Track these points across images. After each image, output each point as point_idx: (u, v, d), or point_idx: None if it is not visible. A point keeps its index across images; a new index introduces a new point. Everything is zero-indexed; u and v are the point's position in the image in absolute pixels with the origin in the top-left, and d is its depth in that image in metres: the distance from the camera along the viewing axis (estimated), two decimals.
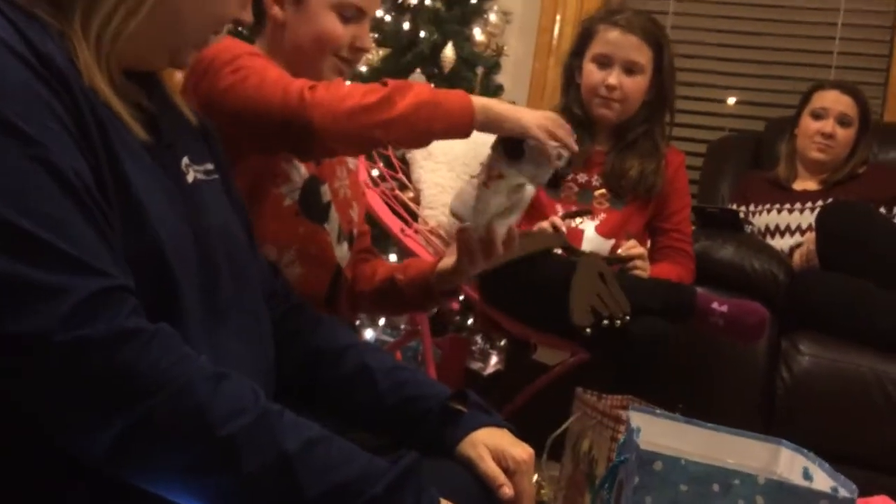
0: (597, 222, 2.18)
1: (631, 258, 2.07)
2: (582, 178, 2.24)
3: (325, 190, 1.59)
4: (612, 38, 2.18)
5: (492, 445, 1.04)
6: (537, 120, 1.37)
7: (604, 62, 2.18)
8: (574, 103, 2.25)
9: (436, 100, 1.32)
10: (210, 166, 1.04)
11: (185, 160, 0.98)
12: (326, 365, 1.14)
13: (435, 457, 0.99)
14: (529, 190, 1.42)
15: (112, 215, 0.80)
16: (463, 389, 1.12)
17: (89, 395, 0.73)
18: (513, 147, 1.40)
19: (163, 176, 0.91)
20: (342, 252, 1.64)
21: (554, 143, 1.38)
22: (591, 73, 2.20)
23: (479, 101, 1.35)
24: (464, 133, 1.35)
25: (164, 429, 0.75)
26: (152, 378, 0.75)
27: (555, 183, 2.20)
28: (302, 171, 1.55)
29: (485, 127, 1.37)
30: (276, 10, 1.56)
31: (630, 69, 2.17)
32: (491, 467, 1.02)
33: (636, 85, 2.18)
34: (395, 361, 1.20)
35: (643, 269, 2.07)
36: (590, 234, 2.17)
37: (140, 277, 0.81)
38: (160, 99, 0.99)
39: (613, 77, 2.16)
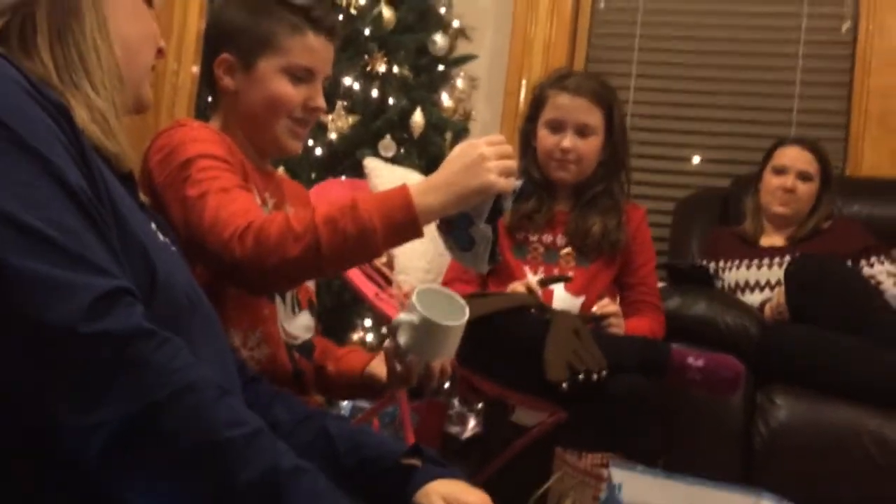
0: (562, 284, 2.20)
1: (605, 316, 2.09)
2: (547, 238, 2.27)
3: None
4: (562, 103, 2.23)
5: (445, 493, 1.06)
6: (487, 175, 1.31)
7: (556, 126, 2.24)
8: (532, 167, 2.30)
9: (369, 226, 1.27)
10: (170, 240, 1.11)
11: (153, 225, 1.06)
12: (284, 436, 1.15)
13: None
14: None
15: (110, 233, 0.87)
16: (417, 445, 1.14)
17: (101, 383, 0.77)
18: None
19: (142, 216, 0.99)
20: (303, 321, 1.62)
21: (511, 182, 1.34)
22: (545, 137, 2.25)
23: (420, 203, 1.29)
24: (419, 235, 1.32)
25: (166, 423, 0.78)
26: (162, 375, 0.79)
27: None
28: None
29: (444, 212, 1.33)
30: (227, 81, 1.58)
31: (582, 131, 2.22)
32: None
33: (589, 146, 2.23)
34: (357, 427, 1.22)
35: (618, 326, 2.09)
36: (559, 294, 2.19)
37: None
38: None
39: (567, 140, 2.21)
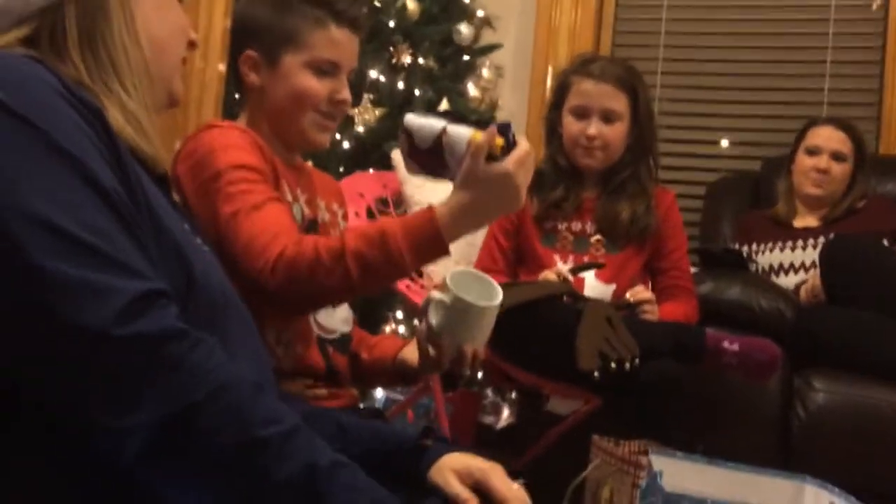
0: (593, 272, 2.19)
1: (639, 303, 2.07)
2: (576, 226, 2.26)
3: None
4: (586, 89, 2.21)
5: (457, 467, 1.06)
6: (520, 199, 1.31)
7: (581, 113, 2.22)
8: (558, 154, 2.29)
9: (398, 257, 1.29)
10: (200, 240, 1.10)
11: (186, 226, 1.05)
12: None
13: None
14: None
15: (145, 234, 0.87)
16: (428, 427, 1.15)
17: (136, 385, 0.77)
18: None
19: (177, 216, 0.99)
20: (342, 314, 1.61)
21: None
22: (571, 124, 2.23)
23: (449, 231, 1.29)
24: (447, 255, 1.33)
25: (204, 423, 0.78)
26: (197, 375, 0.79)
27: None
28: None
29: (473, 232, 1.37)
30: (252, 78, 1.58)
31: (608, 117, 2.21)
32: (456, 487, 1.03)
33: (616, 132, 2.21)
34: (366, 420, 1.25)
35: (652, 313, 2.08)
36: (591, 282, 2.18)
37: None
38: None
39: (592, 127, 2.19)
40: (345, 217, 1.76)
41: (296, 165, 1.64)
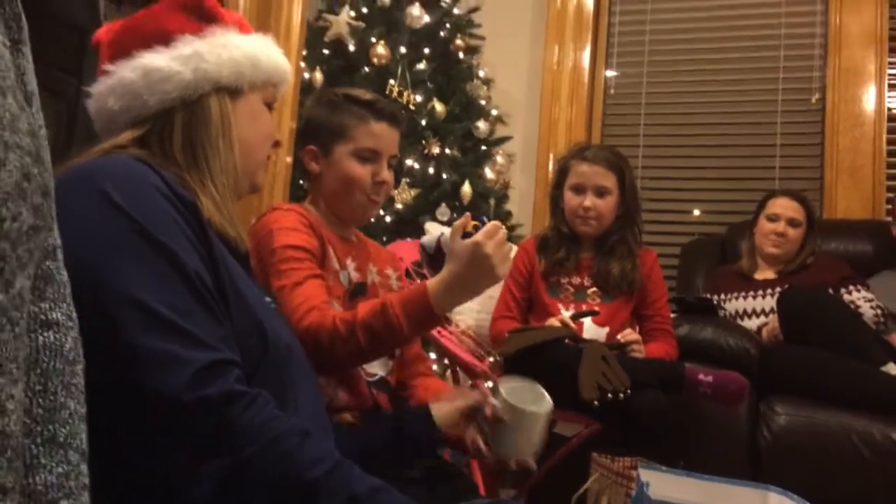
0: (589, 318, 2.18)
1: (629, 343, 2.05)
2: (575, 280, 2.25)
3: None
4: (583, 170, 2.22)
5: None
6: (495, 270, 1.27)
7: (579, 189, 2.22)
8: (561, 223, 2.29)
9: (397, 326, 1.29)
10: (270, 299, 1.11)
11: (257, 290, 1.04)
12: None
13: None
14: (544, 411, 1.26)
15: (225, 309, 0.86)
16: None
17: (201, 444, 0.76)
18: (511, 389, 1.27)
19: (255, 287, 0.99)
20: (380, 359, 1.56)
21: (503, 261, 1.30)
22: (571, 199, 2.24)
23: (438, 303, 1.28)
24: (440, 325, 1.37)
25: (260, 472, 0.76)
26: (251, 431, 0.78)
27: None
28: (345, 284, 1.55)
29: (459, 304, 1.33)
30: (312, 167, 1.60)
31: (600, 192, 2.21)
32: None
33: (607, 204, 2.21)
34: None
35: (639, 351, 2.05)
36: (588, 325, 2.16)
37: (247, 353, 0.86)
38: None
39: (588, 201, 2.20)
40: (399, 278, 1.75)
41: (348, 238, 1.63)
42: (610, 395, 1.78)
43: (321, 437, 0.87)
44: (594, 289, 2.22)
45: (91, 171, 0.88)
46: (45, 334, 0.58)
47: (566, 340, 2.01)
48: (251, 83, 1.07)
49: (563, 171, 2.28)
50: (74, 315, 0.62)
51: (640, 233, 2.30)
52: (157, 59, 1.00)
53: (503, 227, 1.32)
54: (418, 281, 2.42)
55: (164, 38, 1.02)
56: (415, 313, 1.29)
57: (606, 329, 2.16)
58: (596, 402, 1.78)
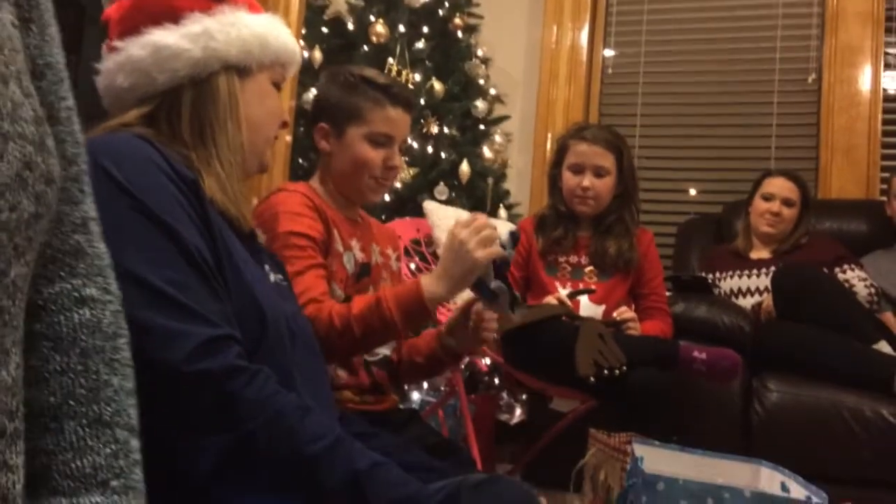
0: (586, 296, 2.19)
1: (625, 321, 2.06)
2: (573, 259, 2.26)
3: None
4: (581, 150, 2.21)
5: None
6: (471, 255, 1.31)
7: (577, 169, 2.22)
8: (559, 203, 2.29)
9: (390, 319, 1.32)
10: (281, 277, 1.11)
11: (266, 267, 1.06)
12: None
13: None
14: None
15: (224, 286, 0.87)
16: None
17: (203, 416, 0.77)
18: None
19: (257, 267, 0.99)
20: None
21: (494, 249, 1.33)
22: (569, 179, 2.23)
23: (429, 294, 1.32)
24: (432, 318, 1.41)
25: (262, 446, 0.77)
26: (253, 406, 0.78)
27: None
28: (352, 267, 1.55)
29: (450, 296, 1.36)
30: (323, 145, 1.60)
31: (598, 173, 2.20)
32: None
33: (605, 184, 2.21)
34: None
35: (635, 329, 2.07)
36: (585, 303, 2.18)
37: (245, 333, 0.86)
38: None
39: (586, 181, 2.19)
40: (399, 258, 1.76)
41: (353, 218, 1.64)
42: (606, 372, 1.80)
43: (323, 413, 0.89)
44: (591, 267, 2.23)
45: (93, 149, 0.87)
46: (81, 311, 0.58)
47: (563, 318, 2.02)
48: (259, 63, 1.06)
49: (561, 151, 2.28)
50: (113, 287, 0.61)
51: (637, 212, 2.31)
52: (166, 37, 0.99)
53: (482, 215, 1.35)
54: (416, 259, 2.43)
55: (173, 16, 1.01)
56: (407, 307, 1.32)
57: (603, 307, 2.17)
58: (592, 379, 1.80)
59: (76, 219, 0.59)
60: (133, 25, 1.01)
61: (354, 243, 1.58)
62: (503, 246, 1.33)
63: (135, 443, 0.59)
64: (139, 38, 1.00)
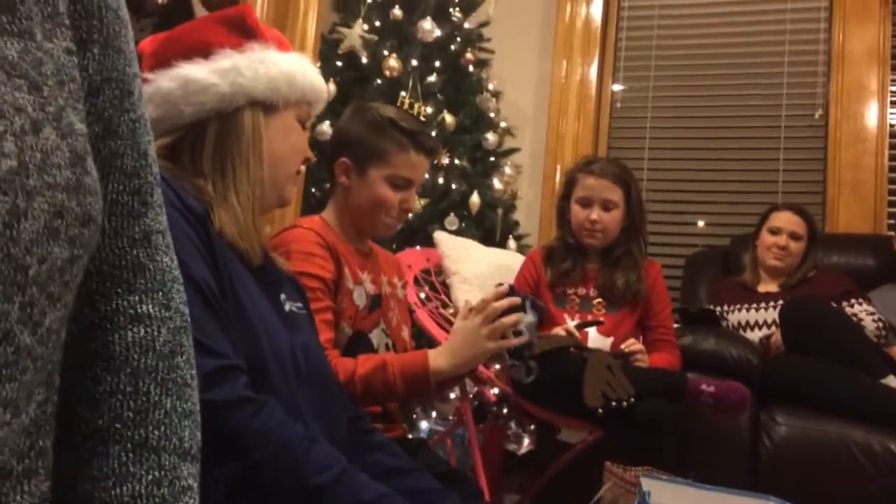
0: (594, 328, 2.18)
1: (633, 353, 2.06)
2: (581, 291, 2.26)
3: (372, 337, 1.57)
4: (589, 184, 2.22)
5: None
6: (483, 344, 1.40)
7: (585, 203, 2.23)
8: (567, 235, 2.29)
9: (393, 384, 1.38)
10: (300, 304, 1.11)
11: (283, 296, 1.06)
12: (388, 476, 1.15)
13: None
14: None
15: (228, 317, 0.87)
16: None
17: (211, 447, 0.75)
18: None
19: (265, 299, 1.00)
20: None
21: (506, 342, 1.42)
22: (577, 212, 2.24)
23: (434, 366, 1.39)
24: (430, 391, 1.45)
25: (268, 477, 0.77)
26: (259, 436, 0.78)
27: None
28: (363, 299, 1.56)
29: (454, 373, 1.43)
30: (343, 179, 1.61)
31: (606, 206, 2.21)
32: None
33: (613, 218, 2.22)
34: None
35: (643, 361, 2.06)
36: (593, 335, 2.17)
37: (247, 363, 0.86)
38: (266, 254, 1.08)
39: (594, 214, 2.20)
40: (404, 286, 1.78)
41: (364, 251, 1.65)
42: (614, 403, 1.79)
43: (329, 443, 0.89)
44: (599, 300, 2.23)
45: None
46: (135, 329, 0.55)
47: (571, 349, 2.02)
48: (286, 100, 1.08)
49: (570, 184, 2.29)
50: (175, 302, 0.59)
51: (645, 245, 2.31)
52: (196, 71, 1.01)
53: (500, 302, 1.39)
54: (426, 288, 2.44)
55: (204, 51, 1.03)
56: (412, 377, 1.38)
57: (611, 339, 2.17)
58: (600, 410, 1.79)
59: (136, 233, 0.56)
60: (164, 58, 1.03)
61: (365, 276, 1.59)
62: (523, 332, 1.39)
63: (186, 469, 0.56)
64: (170, 71, 1.02)
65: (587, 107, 3.54)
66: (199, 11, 2.10)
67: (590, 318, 2.21)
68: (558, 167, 3.49)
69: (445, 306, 2.41)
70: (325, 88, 1.18)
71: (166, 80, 1.01)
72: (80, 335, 0.53)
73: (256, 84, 1.04)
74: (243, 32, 1.07)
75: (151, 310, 0.56)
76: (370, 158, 1.57)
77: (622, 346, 2.09)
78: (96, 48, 0.54)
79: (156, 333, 0.56)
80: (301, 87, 1.10)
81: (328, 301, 1.47)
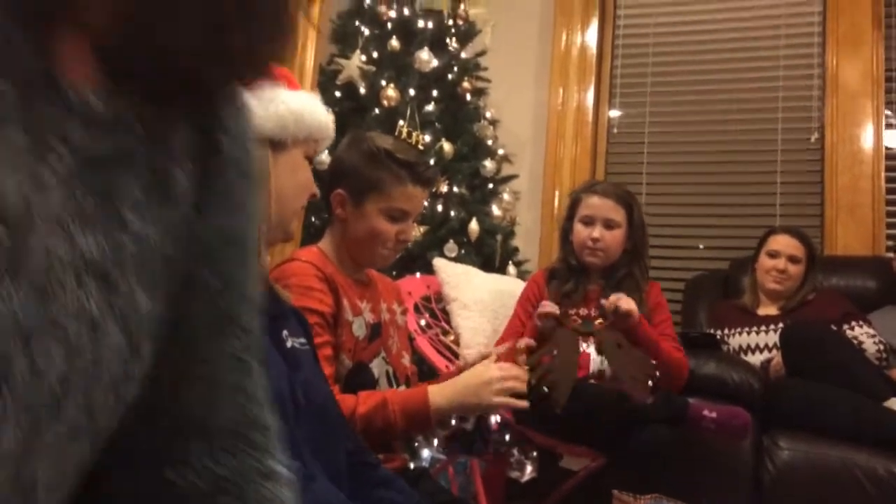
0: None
1: (618, 308, 2.04)
2: (583, 311, 2.26)
3: (373, 366, 1.57)
4: (593, 203, 2.25)
5: None
6: (489, 397, 1.41)
7: (588, 221, 2.25)
8: (570, 256, 2.31)
9: (393, 422, 1.38)
10: (303, 340, 1.11)
11: (285, 332, 1.06)
12: None
13: None
14: None
15: None
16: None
17: None
18: None
19: (265, 337, 0.97)
20: None
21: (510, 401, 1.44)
22: (580, 231, 2.26)
23: (434, 403, 1.39)
24: (430, 429, 1.47)
25: None
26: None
27: None
28: (361, 329, 1.56)
29: (452, 413, 1.44)
30: (339, 211, 1.60)
31: (609, 225, 2.23)
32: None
33: (615, 237, 2.23)
34: None
35: (632, 311, 2.05)
36: (594, 356, 2.16)
37: None
38: (269, 290, 1.08)
39: (596, 232, 2.22)
40: (404, 312, 1.78)
41: (362, 280, 1.65)
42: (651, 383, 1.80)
43: (328, 480, 0.89)
44: (601, 320, 2.23)
45: None
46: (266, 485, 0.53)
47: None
48: (294, 137, 1.09)
49: (573, 205, 2.31)
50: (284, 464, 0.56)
51: (647, 268, 2.32)
52: None
53: (519, 371, 1.46)
54: (426, 315, 2.44)
55: None
56: (413, 415, 1.38)
57: None
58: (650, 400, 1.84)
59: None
60: None
61: (364, 305, 1.59)
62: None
63: None
64: None
65: (584, 133, 3.57)
66: None
67: (591, 338, 2.19)
68: (556, 192, 3.51)
69: (446, 333, 2.41)
70: (332, 125, 1.18)
71: None
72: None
73: (266, 122, 1.05)
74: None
75: (282, 469, 0.55)
76: (367, 190, 1.57)
77: (602, 302, 2.09)
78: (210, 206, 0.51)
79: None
80: (308, 125, 1.10)
81: (328, 336, 1.46)
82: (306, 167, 1.14)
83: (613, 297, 2.08)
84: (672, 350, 2.14)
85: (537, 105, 3.65)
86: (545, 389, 1.89)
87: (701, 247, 3.46)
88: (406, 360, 1.71)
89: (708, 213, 3.46)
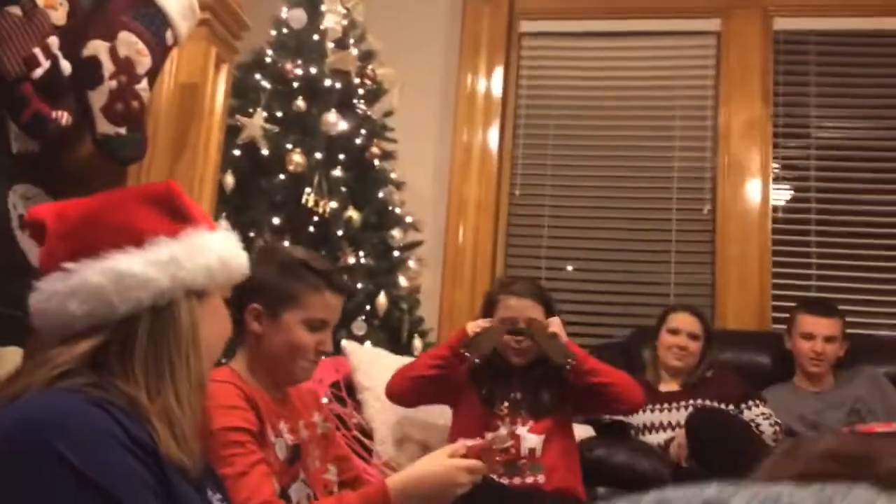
0: (527, 428, 2.17)
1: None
2: (511, 396, 2.22)
3: (292, 492, 1.51)
4: (512, 304, 2.23)
5: None
6: (457, 483, 1.39)
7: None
8: (496, 358, 2.26)
9: None
10: (220, 496, 1.08)
11: (209, 492, 1.03)
12: None
13: None
14: None
15: None
16: None
17: None
18: None
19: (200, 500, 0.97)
20: None
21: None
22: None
23: (396, 497, 1.35)
24: None
25: None
26: None
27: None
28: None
29: None
30: (254, 326, 1.54)
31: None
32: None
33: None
34: None
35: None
36: (526, 435, 2.14)
37: None
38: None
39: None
40: (325, 420, 1.71)
41: (280, 398, 1.59)
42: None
43: None
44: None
45: (41, 419, 0.83)
46: None
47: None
48: (217, 284, 1.05)
49: (491, 305, 2.28)
50: None
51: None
52: (132, 264, 0.94)
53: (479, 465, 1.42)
54: (336, 405, 2.34)
55: (136, 238, 0.96)
56: None
57: (543, 436, 2.15)
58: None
59: None
60: (87, 245, 0.96)
61: (283, 426, 1.55)
62: None
63: None
64: (98, 263, 0.94)
65: (486, 207, 3.54)
66: (102, 126, 1.94)
67: (520, 422, 2.16)
68: (461, 229, 3.46)
69: (363, 432, 2.32)
70: (247, 265, 1.14)
71: (94, 274, 0.94)
72: None
73: (195, 275, 1.00)
74: (175, 216, 1.02)
75: None
76: (284, 303, 1.52)
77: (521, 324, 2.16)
78: None
79: None
80: (232, 270, 1.07)
81: (260, 454, 1.41)
82: (224, 310, 1.10)
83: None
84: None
85: (440, 149, 3.60)
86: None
87: (569, 268, 3.52)
88: (331, 473, 1.65)
89: (609, 280, 3.53)
